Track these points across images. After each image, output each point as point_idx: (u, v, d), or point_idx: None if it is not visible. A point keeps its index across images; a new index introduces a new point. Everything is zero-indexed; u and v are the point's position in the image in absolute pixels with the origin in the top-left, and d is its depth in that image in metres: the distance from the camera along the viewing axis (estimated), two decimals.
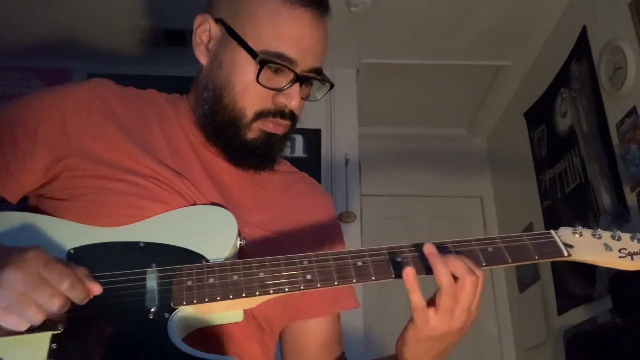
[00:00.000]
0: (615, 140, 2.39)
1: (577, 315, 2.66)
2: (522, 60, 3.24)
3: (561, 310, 2.85)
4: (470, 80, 3.48)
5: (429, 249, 0.84)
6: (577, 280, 2.70)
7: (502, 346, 3.54)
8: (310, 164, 3.13)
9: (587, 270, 2.56)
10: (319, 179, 3.06)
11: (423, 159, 3.92)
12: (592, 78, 2.57)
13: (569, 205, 2.81)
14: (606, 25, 2.48)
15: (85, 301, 0.77)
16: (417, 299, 0.82)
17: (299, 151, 3.18)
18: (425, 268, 0.85)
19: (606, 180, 2.46)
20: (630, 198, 2.27)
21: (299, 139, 3.19)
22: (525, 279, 3.33)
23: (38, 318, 0.73)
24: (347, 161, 3.18)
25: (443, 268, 0.82)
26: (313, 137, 3.22)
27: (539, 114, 3.18)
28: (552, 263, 2.94)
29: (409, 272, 0.82)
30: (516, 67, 3.30)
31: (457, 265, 0.82)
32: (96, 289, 0.79)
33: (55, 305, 0.73)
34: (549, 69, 3.00)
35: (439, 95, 3.62)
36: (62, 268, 0.75)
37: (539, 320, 3.09)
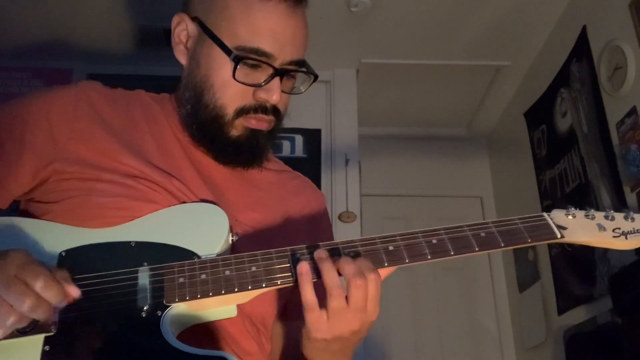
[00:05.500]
0: (615, 140, 2.38)
1: (577, 315, 2.65)
2: (522, 60, 3.24)
3: (561, 310, 2.84)
4: (470, 80, 3.48)
5: (318, 254, 0.83)
6: (577, 280, 2.70)
7: (502, 346, 3.53)
8: (310, 164, 3.12)
9: (587, 270, 2.55)
10: (319, 179, 3.05)
11: (423, 159, 3.92)
12: (592, 78, 2.57)
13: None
14: (606, 25, 2.47)
15: (64, 303, 0.75)
16: (309, 295, 0.80)
17: (299, 151, 3.17)
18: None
19: (606, 180, 2.46)
20: (630, 198, 2.26)
21: (298, 139, 3.18)
22: (525, 278, 3.32)
23: (10, 319, 0.70)
24: (347, 161, 3.17)
25: (328, 271, 0.81)
26: (313, 137, 3.21)
27: (539, 114, 3.18)
28: (552, 262, 2.94)
29: (302, 266, 0.81)
30: (516, 67, 3.29)
31: (346, 268, 0.81)
32: (74, 291, 0.76)
33: (25, 304, 0.70)
34: (549, 69, 2.99)
35: (439, 95, 3.61)
36: (37, 268, 0.73)
37: (539, 320, 3.08)
